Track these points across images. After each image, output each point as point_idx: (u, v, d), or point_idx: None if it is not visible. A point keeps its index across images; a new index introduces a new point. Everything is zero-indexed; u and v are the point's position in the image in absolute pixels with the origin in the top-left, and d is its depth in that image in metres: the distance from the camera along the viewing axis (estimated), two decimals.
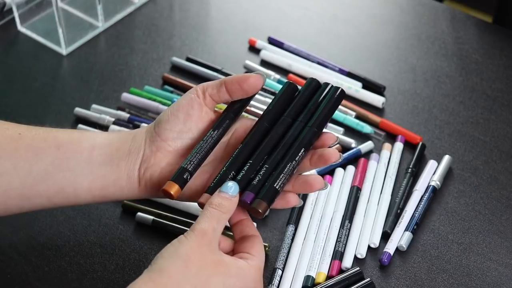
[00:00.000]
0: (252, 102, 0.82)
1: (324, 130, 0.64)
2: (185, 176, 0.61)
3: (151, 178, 0.63)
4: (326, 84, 0.66)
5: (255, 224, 0.76)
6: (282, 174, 0.61)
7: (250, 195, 0.60)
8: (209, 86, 0.64)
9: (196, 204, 0.77)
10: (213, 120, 0.65)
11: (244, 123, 0.65)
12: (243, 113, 0.66)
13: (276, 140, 0.63)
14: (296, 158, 0.61)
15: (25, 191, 0.62)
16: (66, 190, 0.63)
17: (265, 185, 0.61)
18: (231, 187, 0.59)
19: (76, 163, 0.63)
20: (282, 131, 0.63)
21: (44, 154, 0.63)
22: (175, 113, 0.64)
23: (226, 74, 0.92)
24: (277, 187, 0.60)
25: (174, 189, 0.61)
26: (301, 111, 0.64)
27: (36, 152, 0.63)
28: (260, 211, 0.60)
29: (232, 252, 0.61)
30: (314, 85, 0.66)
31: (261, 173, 0.61)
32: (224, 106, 0.66)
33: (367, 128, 0.86)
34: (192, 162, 0.62)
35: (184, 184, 0.61)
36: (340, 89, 0.65)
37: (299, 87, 0.66)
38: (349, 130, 0.87)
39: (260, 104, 0.87)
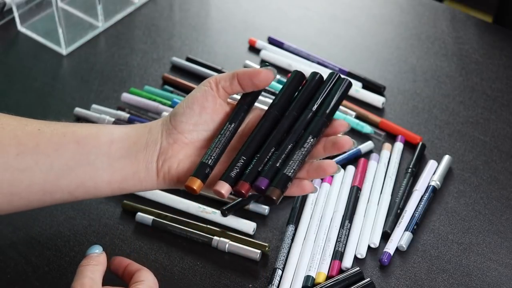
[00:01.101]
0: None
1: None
2: (206, 172, 0.63)
3: (170, 171, 0.65)
4: (332, 73, 0.67)
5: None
6: (292, 161, 0.63)
7: (264, 180, 0.62)
8: (222, 78, 0.66)
9: (195, 204, 0.77)
10: (227, 111, 0.66)
11: (257, 113, 0.67)
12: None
13: (286, 128, 0.65)
14: (305, 145, 0.63)
15: (47, 186, 0.63)
16: (87, 184, 0.64)
17: (278, 173, 0.62)
18: (95, 248, 0.64)
19: (96, 157, 0.64)
20: (291, 119, 0.65)
21: (64, 149, 0.64)
22: (191, 106, 0.65)
23: None
24: (288, 174, 0.62)
25: (196, 184, 0.63)
26: (309, 100, 0.66)
27: (57, 147, 0.64)
28: (274, 198, 0.61)
29: None
30: (319, 77, 0.67)
31: (272, 159, 0.63)
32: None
33: (367, 128, 0.86)
34: (211, 157, 0.63)
35: (205, 179, 0.63)
36: (347, 80, 0.67)
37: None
38: (349, 130, 0.86)
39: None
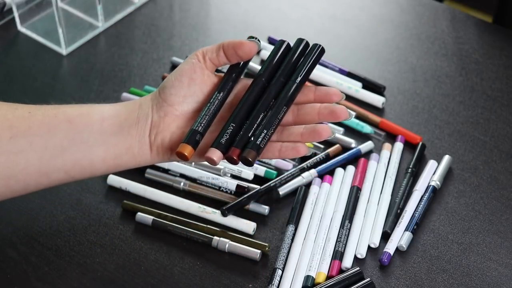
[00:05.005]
0: None
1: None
2: (196, 138, 0.64)
3: (162, 143, 0.66)
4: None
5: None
6: (262, 126, 0.64)
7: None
8: (208, 50, 0.67)
9: (196, 204, 0.77)
10: (215, 82, 0.68)
11: (244, 84, 0.69)
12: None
13: (273, 95, 0.66)
14: (274, 110, 0.65)
15: (43, 167, 0.64)
16: (82, 162, 0.65)
17: (252, 137, 0.64)
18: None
19: (88, 135, 0.65)
20: (278, 86, 0.67)
21: (57, 129, 0.64)
22: (179, 78, 0.66)
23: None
24: (259, 137, 0.64)
25: (187, 150, 0.64)
26: (295, 68, 0.69)
27: (49, 128, 0.64)
28: (250, 159, 0.63)
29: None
30: (304, 46, 0.70)
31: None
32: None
33: (367, 128, 0.86)
34: (201, 124, 0.65)
35: (196, 145, 0.64)
36: (320, 46, 0.70)
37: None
38: (349, 130, 0.87)
39: None
